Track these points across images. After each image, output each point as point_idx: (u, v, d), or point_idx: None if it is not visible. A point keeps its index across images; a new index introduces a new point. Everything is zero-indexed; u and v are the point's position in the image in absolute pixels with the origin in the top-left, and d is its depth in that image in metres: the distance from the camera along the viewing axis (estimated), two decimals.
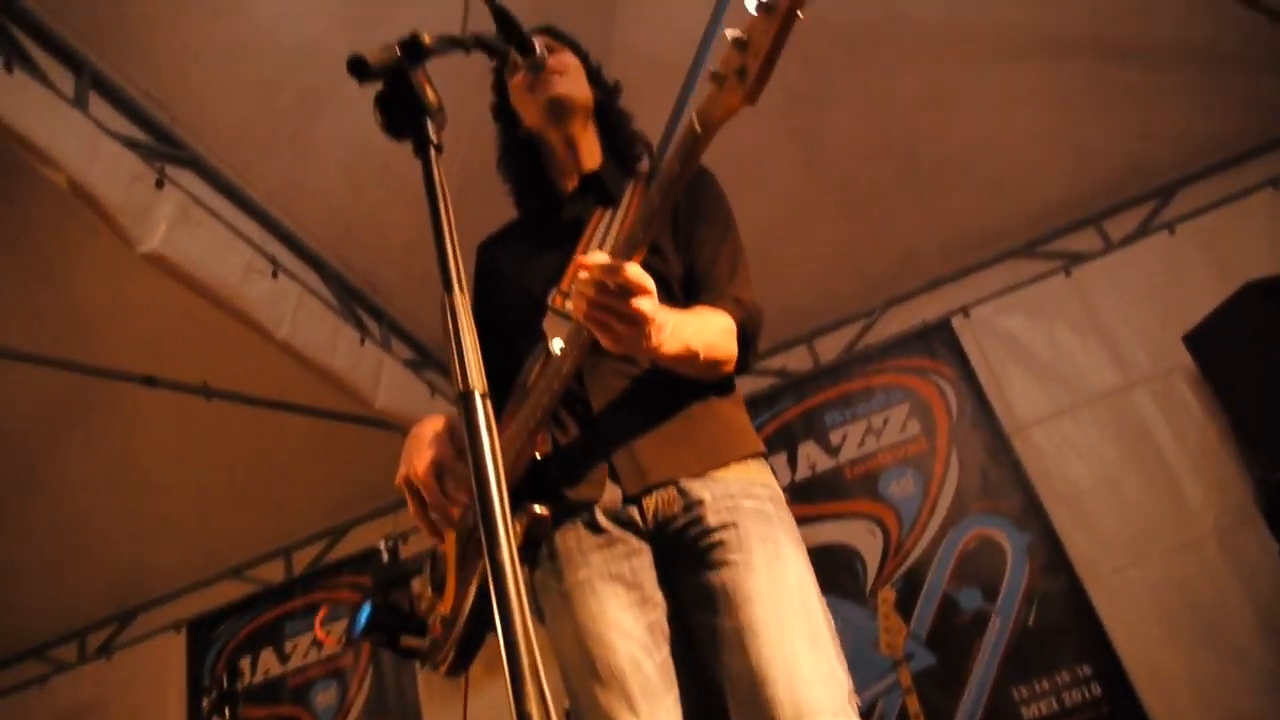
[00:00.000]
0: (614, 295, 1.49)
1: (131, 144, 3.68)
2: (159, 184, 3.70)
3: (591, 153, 2.22)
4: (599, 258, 1.52)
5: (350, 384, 4.63)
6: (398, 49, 1.33)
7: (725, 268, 1.98)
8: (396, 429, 4.98)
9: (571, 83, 2.16)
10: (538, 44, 1.88)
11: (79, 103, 3.53)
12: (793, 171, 5.51)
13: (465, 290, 1.16)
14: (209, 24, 3.85)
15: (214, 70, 3.95)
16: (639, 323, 1.51)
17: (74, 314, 5.35)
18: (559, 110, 2.14)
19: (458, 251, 1.22)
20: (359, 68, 1.28)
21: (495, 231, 2.33)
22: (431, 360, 5.51)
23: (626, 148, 2.27)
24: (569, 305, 1.83)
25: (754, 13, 1.29)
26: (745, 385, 6.22)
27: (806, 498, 5.72)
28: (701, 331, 1.74)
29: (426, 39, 1.36)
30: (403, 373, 5.06)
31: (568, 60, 2.20)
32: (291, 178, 4.36)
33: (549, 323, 1.90)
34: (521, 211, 2.32)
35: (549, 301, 1.94)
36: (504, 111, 2.32)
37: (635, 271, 1.50)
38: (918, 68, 5.44)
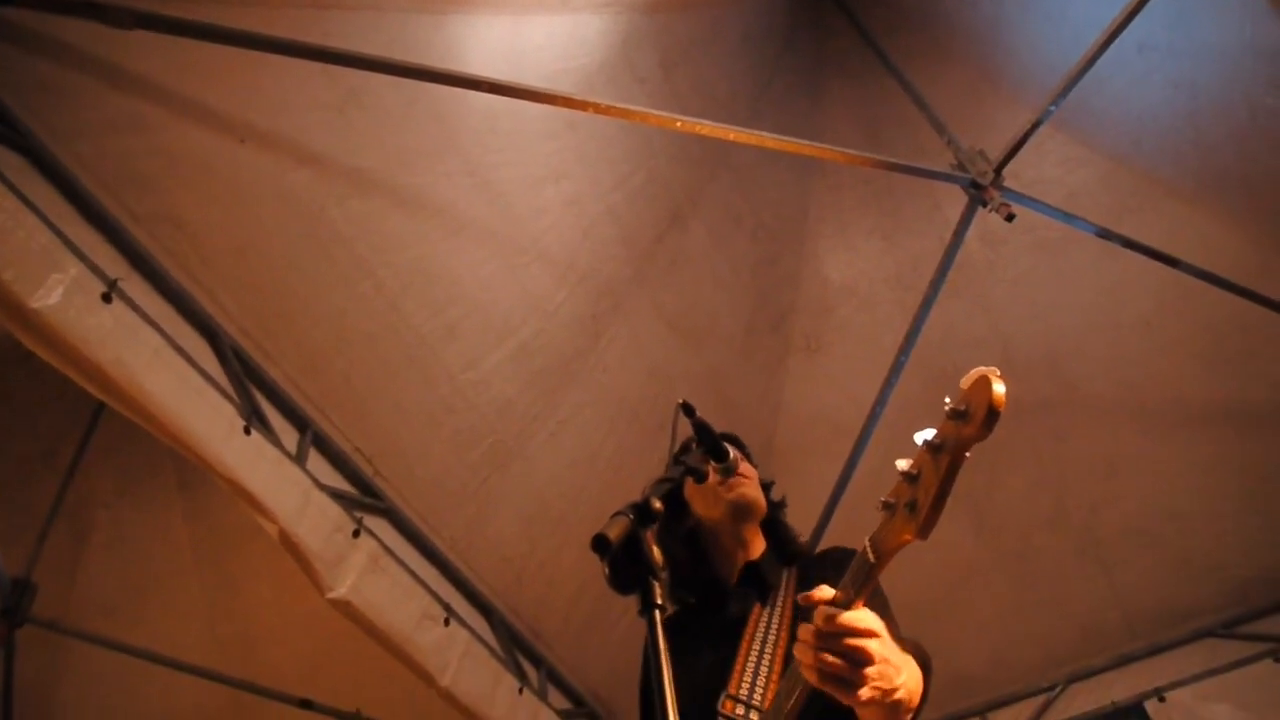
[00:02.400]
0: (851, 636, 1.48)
1: (338, 495, 4.06)
2: (355, 534, 4.03)
3: (756, 551, 2.34)
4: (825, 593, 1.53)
5: None
6: (631, 515, 1.48)
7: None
8: None
9: (756, 489, 2.34)
10: (730, 451, 2.12)
11: (299, 458, 3.97)
12: (962, 536, 5.51)
13: None
14: (421, 389, 4.35)
15: (418, 428, 4.41)
16: (870, 663, 1.48)
17: (244, 626, 5.67)
18: (744, 511, 2.30)
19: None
20: (603, 547, 1.41)
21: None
22: (586, 709, 5.49)
23: (787, 551, 2.38)
24: (739, 711, 1.90)
25: (921, 448, 1.33)
26: None
27: None
28: (908, 674, 1.63)
29: (656, 504, 1.53)
30: None
31: (751, 470, 2.39)
32: (474, 527, 4.67)
33: None
34: (675, 605, 2.37)
35: (719, 708, 1.94)
36: (673, 500, 2.42)
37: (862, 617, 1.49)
38: (1091, 436, 5.52)
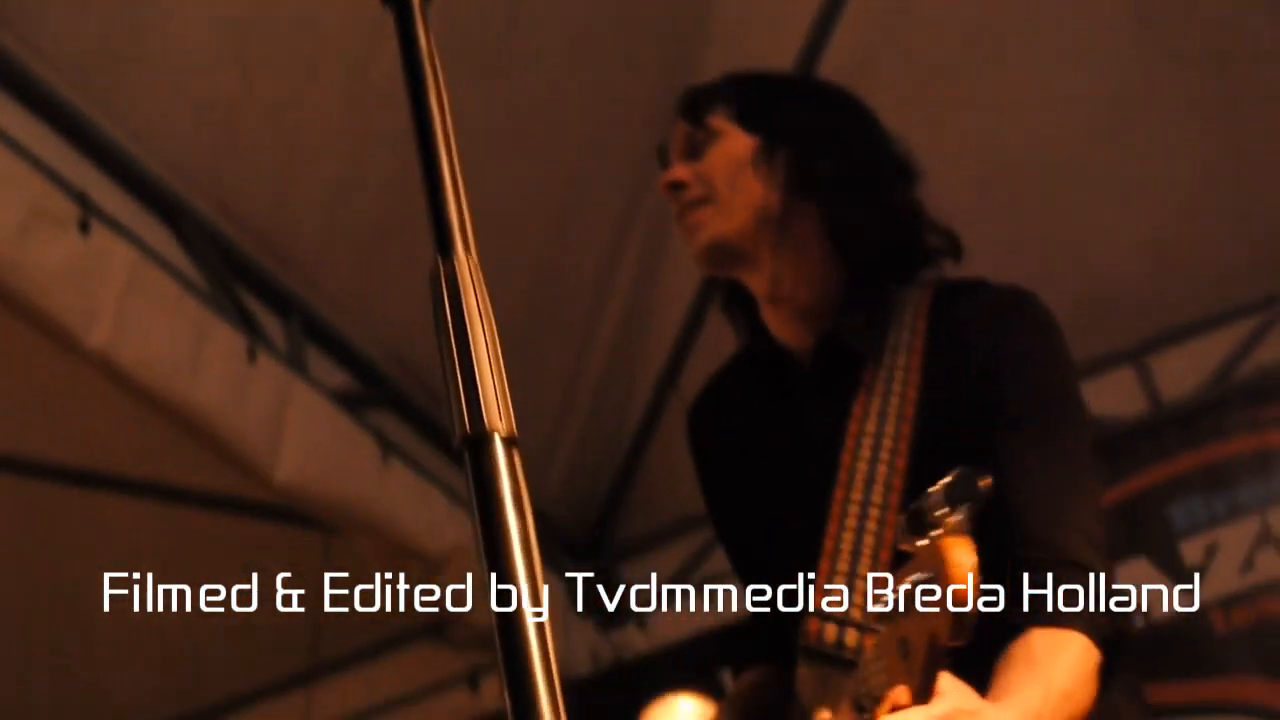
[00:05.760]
0: None
1: None
2: None
3: (812, 278, 2.50)
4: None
5: (224, 433, 4.74)
6: None
7: (1047, 508, 2.18)
8: (313, 527, 5.08)
9: (716, 217, 2.48)
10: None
11: None
12: (1115, 37, 5.46)
13: (473, 251, 1.16)
14: None
15: None
16: None
17: None
18: (714, 262, 2.58)
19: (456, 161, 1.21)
20: None
21: (713, 381, 2.83)
22: (380, 385, 5.71)
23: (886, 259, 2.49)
24: (829, 636, 2.13)
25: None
26: None
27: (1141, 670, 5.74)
28: (1047, 702, 1.91)
29: None
30: (328, 412, 5.21)
31: (709, 168, 2.49)
32: (120, 26, 4.47)
33: (804, 678, 2.17)
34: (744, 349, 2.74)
35: (805, 628, 2.18)
36: None
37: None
38: None
